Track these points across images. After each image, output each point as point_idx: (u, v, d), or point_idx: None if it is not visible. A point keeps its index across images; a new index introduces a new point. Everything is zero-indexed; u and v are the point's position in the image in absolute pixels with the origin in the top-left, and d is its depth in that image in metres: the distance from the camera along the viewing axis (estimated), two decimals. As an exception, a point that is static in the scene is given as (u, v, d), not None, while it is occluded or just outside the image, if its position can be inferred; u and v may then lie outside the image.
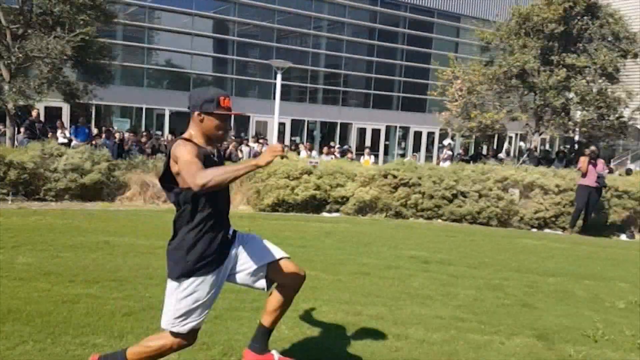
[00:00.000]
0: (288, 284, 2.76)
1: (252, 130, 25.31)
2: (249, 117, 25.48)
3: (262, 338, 2.84)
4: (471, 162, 14.42)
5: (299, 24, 28.07)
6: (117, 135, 14.44)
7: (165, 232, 2.83)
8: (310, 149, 17.92)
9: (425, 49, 30.89)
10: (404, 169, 10.91)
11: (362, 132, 30.45)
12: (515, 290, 5.47)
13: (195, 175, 2.29)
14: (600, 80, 15.47)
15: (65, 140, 12.82)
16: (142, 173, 10.43)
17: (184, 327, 2.60)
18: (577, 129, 16.23)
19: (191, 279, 2.56)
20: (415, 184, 10.73)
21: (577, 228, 10.65)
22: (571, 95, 15.54)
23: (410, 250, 7.14)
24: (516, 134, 27.77)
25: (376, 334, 3.81)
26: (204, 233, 2.56)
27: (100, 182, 9.97)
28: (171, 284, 2.60)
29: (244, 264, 2.71)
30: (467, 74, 16.06)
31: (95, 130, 15.34)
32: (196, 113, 2.57)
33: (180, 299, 2.57)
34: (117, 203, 10.06)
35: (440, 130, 25.89)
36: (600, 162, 10.51)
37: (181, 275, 2.55)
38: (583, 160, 10.47)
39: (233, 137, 16.68)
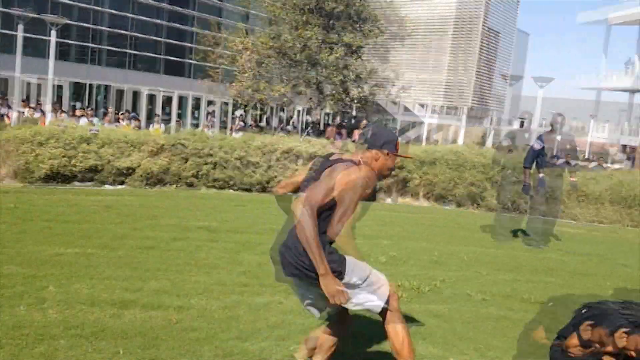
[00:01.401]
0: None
1: (21, 94, 22.20)
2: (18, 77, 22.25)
3: None
4: (261, 133, 14.87)
5: (78, -23, 25.26)
6: None
7: None
8: (92, 115, 16.46)
9: (217, 17, 30.47)
10: (195, 139, 10.74)
11: (152, 98, 29.03)
12: (296, 254, 5.85)
13: (315, 201, 2.47)
14: (372, 60, 17.11)
15: None
16: None
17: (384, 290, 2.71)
18: (353, 105, 17.77)
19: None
20: (207, 154, 10.66)
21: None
22: (348, 72, 16.92)
23: (199, 221, 7.10)
24: (303, 108, 29.35)
25: (157, 308, 3.74)
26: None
27: None
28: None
29: None
30: (256, 46, 16.34)
31: None
32: (374, 151, 2.72)
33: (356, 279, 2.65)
34: None
35: (234, 100, 26.04)
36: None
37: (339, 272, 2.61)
38: (357, 133, 11.59)
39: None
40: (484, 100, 30.74)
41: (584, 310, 3.16)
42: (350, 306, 2.69)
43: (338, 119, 16.27)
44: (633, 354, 2.80)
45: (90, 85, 26.81)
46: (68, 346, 3.08)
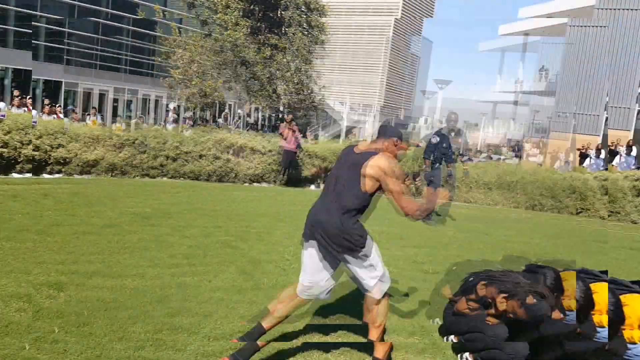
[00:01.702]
0: None
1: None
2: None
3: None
4: (194, 125, 14.50)
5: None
6: None
7: None
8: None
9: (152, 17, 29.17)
10: (129, 130, 10.33)
11: (88, 93, 27.45)
12: (226, 235, 5.80)
13: (414, 206, 2.85)
14: (297, 60, 17.10)
15: None
16: None
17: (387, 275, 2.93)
18: (280, 101, 17.72)
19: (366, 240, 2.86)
20: (141, 144, 10.28)
21: (280, 181, 11.81)
22: (275, 71, 16.83)
23: (133, 207, 6.85)
24: (235, 102, 28.86)
25: (91, 289, 3.60)
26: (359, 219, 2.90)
27: None
28: (357, 255, 2.80)
29: None
30: (189, 44, 15.86)
31: None
32: (396, 139, 2.96)
33: (372, 255, 2.85)
34: None
35: (168, 95, 25.17)
36: (297, 129, 11.80)
37: (362, 244, 2.80)
38: (284, 127, 11.58)
39: None
40: (392, 99, 31.74)
41: (470, 278, 3.39)
42: (357, 267, 2.84)
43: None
44: (511, 316, 3.04)
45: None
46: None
